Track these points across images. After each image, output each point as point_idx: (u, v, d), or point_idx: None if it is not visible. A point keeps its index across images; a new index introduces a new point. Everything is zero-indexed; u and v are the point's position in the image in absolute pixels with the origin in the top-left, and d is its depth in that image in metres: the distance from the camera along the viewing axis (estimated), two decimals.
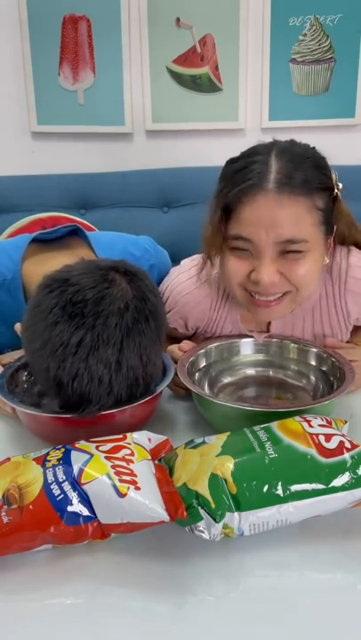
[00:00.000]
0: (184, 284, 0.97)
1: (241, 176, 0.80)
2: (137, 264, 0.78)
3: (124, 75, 1.84)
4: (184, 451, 0.64)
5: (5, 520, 0.55)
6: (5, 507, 0.56)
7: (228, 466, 0.58)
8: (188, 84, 1.87)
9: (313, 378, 0.90)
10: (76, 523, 0.55)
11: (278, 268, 0.82)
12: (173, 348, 0.89)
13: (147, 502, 0.55)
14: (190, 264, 0.99)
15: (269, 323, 0.97)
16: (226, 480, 0.57)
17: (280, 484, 0.57)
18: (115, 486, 0.55)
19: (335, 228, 0.88)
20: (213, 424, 0.79)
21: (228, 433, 0.65)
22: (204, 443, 0.64)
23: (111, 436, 0.64)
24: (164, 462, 0.64)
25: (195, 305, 0.97)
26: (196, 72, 1.86)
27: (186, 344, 0.90)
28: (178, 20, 1.80)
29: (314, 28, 1.83)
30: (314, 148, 0.87)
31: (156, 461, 0.63)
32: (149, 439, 0.66)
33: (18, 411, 0.75)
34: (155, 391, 0.76)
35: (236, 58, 1.85)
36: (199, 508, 0.56)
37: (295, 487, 0.57)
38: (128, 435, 0.65)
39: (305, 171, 0.80)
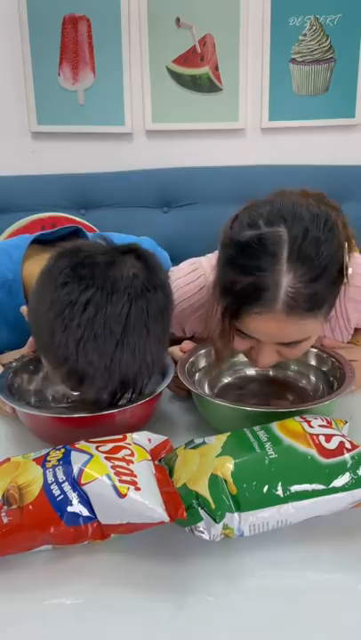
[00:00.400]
0: (182, 289, 0.95)
1: (249, 290, 0.72)
2: None
3: (123, 75, 1.84)
4: (184, 451, 0.64)
5: (5, 520, 0.55)
6: (5, 507, 0.56)
7: (228, 466, 0.58)
8: (188, 84, 1.87)
9: (313, 378, 0.90)
10: (76, 523, 0.55)
11: (277, 350, 0.79)
12: (174, 349, 0.89)
13: (147, 503, 0.55)
14: (188, 269, 0.97)
15: None
16: (226, 480, 0.57)
17: (280, 484, 0.57)
18: (115, 487, 0.55)
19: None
20: (213, 424, 0.79)
21: (228, 433, 0.65)
22: (204, 443, 0.64)
23: (111, 437, 0.64)
24: (164, 463, 0.64)
25: (191, 312, 0.97)
26: (196, 72, 1.86)
27: (186, 344, 0.90)
28: (178, 19, 1.80)
29: (314, 27, 1.83)
30: (333, 224, 0.74)
31: (157, 462, 0.63)
32: (149, 439, 0.66)
33: (18, 411, 0.75)
34: (155, 391, 0.76)
35: (236, 58, 1.85)
36: (199, 508, 0.56)
37: (295, 488, 0.57)
38: (128, 435, 0.65)
39: (318, 287, 0.71)
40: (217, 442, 0.63)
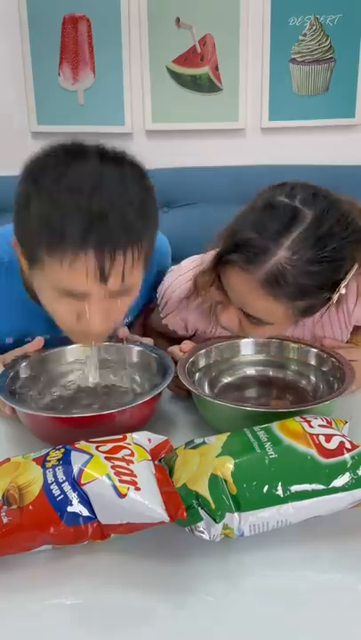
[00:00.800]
0: (183, 286, 0.96)
1: (246, 243, 0.74)
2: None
3: (123, 75, 1.84)
4: (184, 451, 0.64)
5: (5, 520, 0.55)
6: (5, 507, 0.56)
7: (228, 466, 0.58)
8: (188, 84, 1.87)
9: (313, 378, 0.90)
10: (76, 523, 0.55)
11: (240, 318, 0.83)
12: (174, 348, 0.89)
13: (147, 503, 0.55)
14: (190, 265, 0.98)
15: None
16: (226, 480, 0.57)
17: (280, 484, 0.57)
18: (115, 487, 0.55)
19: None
20: (213, 424, 0.79)
21: (228, 433, 0.65)
22: (204, 443, 0.64)
23: (111, 437, 0.64)
24: (164, 463, 0.64)
25: (192, 309, 0.97)
26: (196, 72, 1.86)
27: (186, 344, 0.90)
28: (178, 19, 1.80)
29: (314, 27, 1.83)
30: (356, 241, 0.74)
31: (157, 462, 0.63)
32: (149, 439, 0.66)
33: (18, 411, 0.75)
34: (155, 392, 0.76)
35: (236, 58, 1.85)
36: (199, 508, 0.56)
37: (295, 488, 0.57)
38: (128, 435, 0.65)
39: (303, 280, 0.72)
40: (217, 442, 0.63)
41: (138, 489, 0.55)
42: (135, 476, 0.57)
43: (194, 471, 0.59)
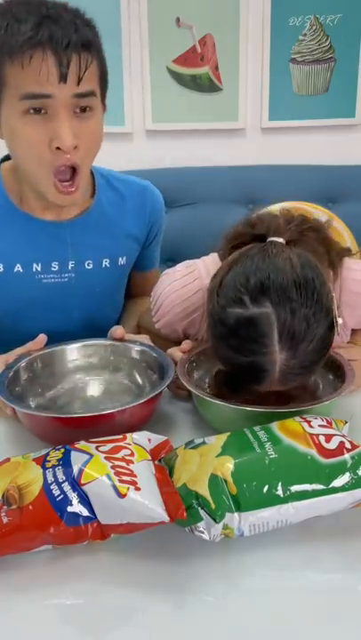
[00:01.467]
0: (176, 293, 0.95)
1: (245, 370, 0.74)
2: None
3: (124, 75, 1.84)
4: (184, 451, 0.64)
5: (5, 520, 0.55)
6: (5, 507, 0.56)
7: (228, 466, 0.58)
8: (188, 84, 1.87)
9: (313, 378, 0.90)
10: (76, 523, 0.55)
11: None
12: (173, 350, 0.89)
13: (146, 503, 0.55)
14: (184, 271, 0.96)
15: None
16: (226, 480, 0.57)
17: (280, 484, 0.57)
18: (115, 487, 0.55)
19: None
20: (213, 424, 0.79)
21: (228, 433, 0.65)
22: (204, 443, 0.64)
23: (111, 437, 0.64)
24: (164, 463, 0.64)
25: (185, 316, 0.96)
26: (196, 72, 1.86)
27: (187, 344, 0.90)
28: (178, 19, 1.80)
29: (314, 27, 1.83)
30: (320, 285, 0.73)
31: (156, 462, 0.63)
32: (149, 439, 0.66)
33: (18, 411, 0.75)
34: (155, 392, 0.76)
35: (236, 58, 1.85)
36: (199, 508, 0.56)
37: (295, 488, 0.57)
38: (128, 435, 0.65)
39: (312, 357, 0.73)
40: (217, 442, 0.63)
41: (138, 489, 0.55)
42: (135, 476, 0.57)
43: (194, 471, 0.59)
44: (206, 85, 1.87)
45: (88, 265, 1.03)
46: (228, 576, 0.57)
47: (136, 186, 1.10)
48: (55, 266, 1.01)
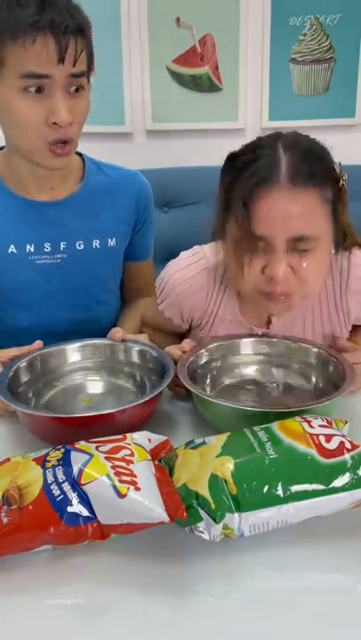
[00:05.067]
0: (181, 271, 0.98)
1: (252, 170, 0.79)
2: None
3: (124, 74, 1.84)
4: (184, 451, 0.64)
5: (5, 520, 0.55)
6: (5, 507, 0.56)
7: (228, 466, 0.58)
8: (188, 84, 1.87)
9: (313, 378, 0.90)
10: (76, 523, 0.55)
11: (290, 263, 0.82)
12: (171, 349, 0.89)
13: (146, 503, 0.55)
14: (189, 253, 1.00)
15: (269, 319, 0.97)
16: (226, 480, 0.57)
17: (280, 484, 0.57)
18: (115, 487, 0.55)
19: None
20: (213, 424, 0.79)
21: (228, 433, 0.65)
22: (204, 443, 0.64)
23: (111, 437, 0.64)
24: (164, 463, 0.64)
25: (190, 294, 0.98)
26: (196, 72, 1.86)
27: (187, 344, 0.90)
28: (178, 19, 1.80)
29: (314, 27, 1.83)
30: (315, 139, 0.87)
31: (156, 462, 0.63)
32: (149, 439, 0.66)
33: (18, 411, 0.75)
34: (155, 392, 0.76)
35: (236, 58, 1.85)
36: (199, 508, 0.56)
37: (295, 488, 0.57)
38: (128, 435, 0.65)
39: (312, 163, 0.80)
40: (217, 442, 0.63)
41: (138, 489, 0.55)
42: (135, 476, 0.57)
43: (194, 471, 0.59)
44: (206, 85, 1.87)
45: (79, 246, 1.06)
46: (228, 576, 0.57)
47: (124, 172, 1.15)
48: (48, 247, 1.03)
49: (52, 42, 0.82)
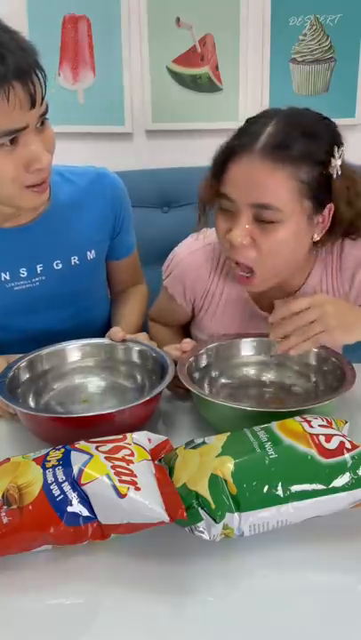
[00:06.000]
0: (187, 246, 1.03)
1: (238, 136, 0.86)
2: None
3: (123, 75, 1.84)
4: (184, 451, 0.64)
5: (5, 520, 0.55)
6: (5, 507, 0.56)
7: (228, 466, 0.58)
8: (188, 84, 1.87)
9: (313, 378, 0.90)
10: (76, 523, 0.55)
11: (251, 232, 0.84)
12: (170, 349, 0.89)
13: (146, 503, 0.55)
14: (196, 234, 1.04)
15: (273, 304, 0.97)
16: (226, 480, 0.57)
17: (280, 484, 0.57)
18: (115, 487, 0.55)
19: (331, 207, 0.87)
20: (213, 424, 0.79)
21: (228, 433, 0.65)
22: (203, 443, 0.64)
23: (111, 437, 0.64)
24: (164, 463, 0.64)
25: (194, 267, 1.02)
26: (196, 72, 1.86)
27: (187, 343, 0.90)
28: (178, 19, 1.80)
29: (314, 27, 1.83)
30: (325, 118, 0.89)
31: (156, 462, 0.63)
32: (149, 439, 0.66)
33: (18, 411, 0.75)
34: (154, 392, 0.76)
35: (236, 58, 1.84)
36: (199, 508, 0.56)
37: (295, 488, 0.57)
38: (128, 435, 0.65)
39: (297, 140, 0.81)
40: (217, 442, 0.63)
41: (138, 489, 0.55)
42: (135, 476, 0.57)
43: (194, 471, 0.59)
44: (206, 85, 1.87)
45: (57, 265, 1.02)
46: (228, 576, 0.57)
47: (91, 175, 1.08)
48: (23, 272, 1.00)
49: (21, 89, 0.75)
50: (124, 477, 0.56)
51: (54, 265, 1.02)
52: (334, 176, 0.84)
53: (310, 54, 1.85)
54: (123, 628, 0.51)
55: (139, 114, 1.89)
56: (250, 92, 1.89)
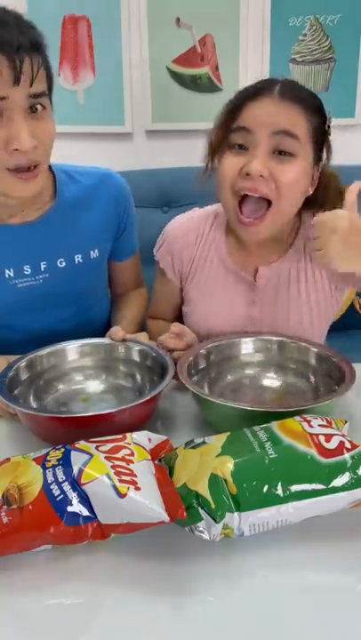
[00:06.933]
0: (179, 220, 1.09)
1: (249, 87, 0.91)
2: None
3: (123, 75, 1.84)
4: (184, 451, 0.64)
5: (5, 520, 0.55)
6: (5, 507, 0.56)
7: (228, 466, 0.58)
8: (188, 84, 1.87)
9: (313, 378, 0.90)
10: (76, 523, 0.55)
11: (269, 165, 0.87)
12: (163, 338, 0.91)
13: (146, 502, 0.55)
14: (181, 215, 1.10)
15: (257, 270, 1.02)
16: (226, 480, 0.57)
17: (280, 484, 0.57)
18: (115, 487, 0.55)
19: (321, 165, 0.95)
20: (213, 424, 0.79)
21: (228, 433, 0.65)
22: (203, 443, 0.64)
23: (111, 437, 0.64)
24: (164, 462, 0.64)
25: (180, 236, 1.06)
26: (196, 72, 1.86)
27: (175, 327, 0.92)
28: (178, 19, 1.80)
29: (314, 27, 1.83)
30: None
31: (156, 461, 0.63)
32: (149, 439, 0.66)
33: (18, 411, 0.75)
34: (154, 392, 0.76)
35: (236, 58, 1.85)
36: (199, 508, 0.56)
37: (295, 487, 0.57)
38: (128, 435, 0.65)
39: (304, 92, 0.90)
40: (217, 442, 0.63)
41: (138, 489, 0.55)
42: (135, 476, 0.57)
43: (194, 471, 0.59)
44: (206, 85, 1.87)
45: (60, 263, 1.03)
46: (228, 576, 0.57)
47: (97, 175, 1.09)
48: (27, 269, 1.00)
49: (6, 62, 0.77)
50: (124, 477, 0.56)
51: (58, 263, 1.03)
52: (330, 136, 0.93)
53: (310, 54, 1.86)
54: (123, 627, 0.51)
55: (139, 114, 1.89)
56: None
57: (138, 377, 0.90)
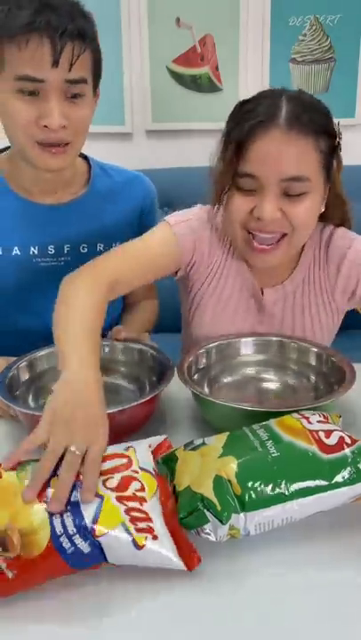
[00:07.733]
0: (207, 210, 1.02)
1: (253, 114, 0.84)
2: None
3: (124, 74, 1.84)
4: (184, 453, 0.64)
5: (3, 567, 0.52)
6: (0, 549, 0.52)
7: (231, 467, 0.58)
8: (188, 84, 1.87)
9: (313, 378, 0.90)
10: (86, 567, 0.54)
11: (280, 205, 0.85)
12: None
13: (163, 552, 0.53)
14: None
15: (262, 290, 1.00)
16: (230, 481, 0.57)
17: (284, 482, 0.57)
18: (133, 540, 0.53)
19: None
20: (213, 424, 0.79)
21: (228, 433, 0.65)
22: (203, 444, 0.64)
23: (112, 452, 0.61)
24: (163, 464, 0.64)
25: (210, 229, 1.01)
26: (196, 72, 1.86)
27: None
28: (178, 19, 1.80)
29: (314, 27, 1.83)
30: (319, 100, 0.89)
31: (156, 461, 0.63)
32: (150, 445, 0.65)
33: (18, 411, 0.75)
34: (155, 392, 0.76)
35: (236, 58, 1.85)
36: (205, 510, 0.55)
37: (299, 485, 0.57)
38: (132, 455, 0.61)
39: (312, 113, 0.83)
40: (217, 442, 0.63)
41: (155, 537, 0.53)
42: (150, 520, 0.54)
43: (197, 473, 0.59)
44: (206, 85, 1.87)
45: (83, 249, 1.06)
46: (234, 575, 0.56)
47: (129, 175, 1.15)
48: (52, 249, 1.04)
49: (47, 44, 0.81)
50: (140, 524, 0.54)
51: (81, 248, 1.06)
52: (339, 148, 0.90)
53: (310, 54, 1.86)
54: (123, 628, 0.51)
55: (139, 114, 1.89)
56: (250, 91, 1.89)
57: (138, 377, 0.90)
